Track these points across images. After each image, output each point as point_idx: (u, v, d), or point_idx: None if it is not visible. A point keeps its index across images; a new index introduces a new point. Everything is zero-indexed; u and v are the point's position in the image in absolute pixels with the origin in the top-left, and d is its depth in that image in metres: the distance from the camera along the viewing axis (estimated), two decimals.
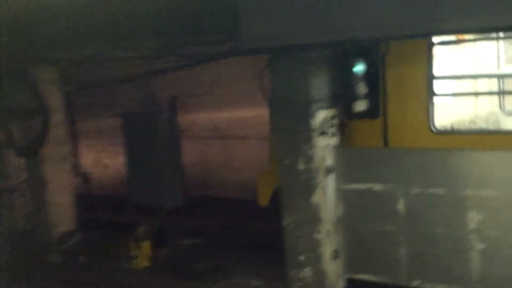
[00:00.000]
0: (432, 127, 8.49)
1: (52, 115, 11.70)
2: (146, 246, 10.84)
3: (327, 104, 8.58)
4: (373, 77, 8.56)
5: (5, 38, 10.16)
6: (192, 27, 8.93)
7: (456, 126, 9.13)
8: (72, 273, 10.95)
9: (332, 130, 8.65)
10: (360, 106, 8.55)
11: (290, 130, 8.58)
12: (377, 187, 8.36)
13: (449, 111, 9.27)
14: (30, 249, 12.15)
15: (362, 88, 8.38)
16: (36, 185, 12.14)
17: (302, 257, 8.81)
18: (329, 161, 8.63)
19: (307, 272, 8.82)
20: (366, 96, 8.59)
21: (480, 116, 9.97)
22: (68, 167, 12.35)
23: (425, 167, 8.01)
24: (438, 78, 8.57)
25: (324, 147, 8.57)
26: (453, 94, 9.48)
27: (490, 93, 10.04)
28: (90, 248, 11.58)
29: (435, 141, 8.46)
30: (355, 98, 8.43)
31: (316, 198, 8.60)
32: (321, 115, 8.48)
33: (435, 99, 8.49)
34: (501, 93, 9.77)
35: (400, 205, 8.20)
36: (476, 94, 10.01)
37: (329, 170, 8.64)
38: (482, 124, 9.80)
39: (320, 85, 8.47)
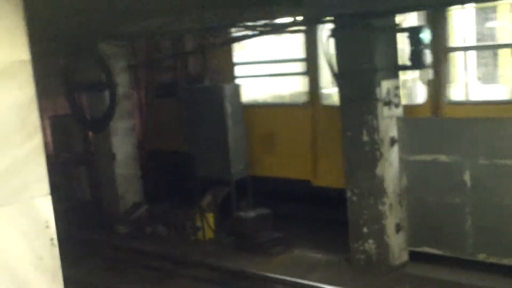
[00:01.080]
0: None
1: (119, 89, 11.97)
2: (210, 218, 10.98)
3: (392, 73, 8.48)
4: None
5: (73, 15, 10.39)
6: None
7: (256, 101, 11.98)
8: (138, 244, 11.17)
9: (397, 100, 8.54)
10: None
11: (354, 100, 8.52)
12: (443, 158, 8.23)
13: (254, 89, 12.24)
14: (99, 220, 12.52)
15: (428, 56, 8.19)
16: (104, 157, 12.45)
17: (365, 229, 8.77)
18: (393, 132, 8.54)
19: (370, 244, 8.78)
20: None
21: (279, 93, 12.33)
22: (134, 140, 12.59)
23: (492, 137, 7.84)
24: (237, 64, 11.55)
25: (389, 118, 8.47)
26: (246, 76, 11.89)
27: (272, 75, 12.24)
28: (156, 219, 11.79)
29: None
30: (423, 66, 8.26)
31: (380, 169, 8.53)
32: (386, 85, 8.39)
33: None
34: (283, 74, 11.99)
35: (467, 177, 8.05)
36: (263, 76, 12.35)
37: (393, 141, 8.55)
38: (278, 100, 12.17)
39: (385, 54, 8.37)
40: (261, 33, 9.75)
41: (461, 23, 9.29)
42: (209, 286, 9.27)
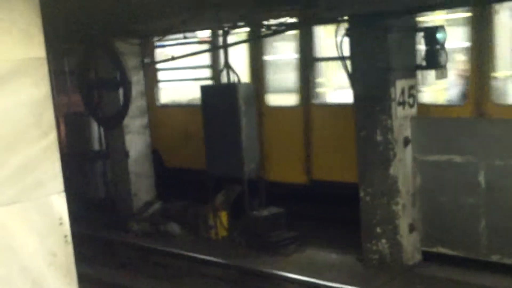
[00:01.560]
0: (157, 102, 13.39)
1: (133, 87, 12.00)
2: (223, 216, 10.98)
3: (407, 73, 8.44)
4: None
5: (88, 12, 10.43)
6: None
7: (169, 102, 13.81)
8: (151, 242, 11.19)
9: (411, 100, 8.50)
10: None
11: (368, 100, 8.49)
12: (457, 158, 8.19)
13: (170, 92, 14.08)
14: (112, 218, 12.55)
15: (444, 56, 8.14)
16: (118, 155, 12.49)
17: (378, 229, 8.75)
18: (407, 131, 8.50)
19: (383, 244, 8.75)
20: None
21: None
22: (147, 138, 12.62)
23: (508, 138, 7.79)
24: (160, 70, 13.45)
25: (403, 118, 8.44)
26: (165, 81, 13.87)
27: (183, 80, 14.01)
28: (169, 217, 11.81)
29: (160, 112, 13.33)
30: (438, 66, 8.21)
31: (394, 169, 8.50)
32: (401, 85, 8.36)
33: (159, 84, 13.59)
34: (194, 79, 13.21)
35: (481, 177, 8.00)
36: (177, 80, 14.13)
37: (407, 141, 8.51)
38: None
39: (400, 53, 8.34)
40: (275, 32, 9.74)
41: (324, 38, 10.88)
42: (221, 285, 9.28)
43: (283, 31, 9.99)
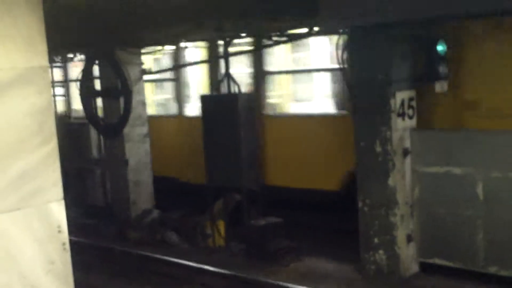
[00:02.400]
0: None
1: (134, 96, 12.04)
2: (221, 225, 10.99)
3: (407, 84, 8.48)
4: None
5: (91, 21, 10.46)
6: (272, 7, 8.96)
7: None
8: (149, 250, 11.18)
9: (410, 111, 8.53)
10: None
11: (368, 111, 8.52)
12: (456, 170, 8.21)
13: None
14: (111, 225, 12.56)
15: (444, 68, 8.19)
16: (118, 163, 12.51)
17: (376, 240, 8.76)
18: (407, 143, 8.53)
19: (381, 255, 8.76)
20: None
21: None
22: (147, 147, 12.65)
23: (507, 150, 7.81)
24: None
25: (402, 129, 8.47)
26: None
27: None
28: (167, 226, 11.81)
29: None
30: (437, 78, 8.24)
31: (392, 180, 8.52)
32: (400, 96, 8.39)
33: None
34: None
35: (479, 189, 8.02)
36: None
37: (406, 152, 8.54)
38: None
39: (400, 65, 8.37)
40: (276, 43, 9.79)
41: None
42: None
43: (284, 42, 10.04)
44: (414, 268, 8.77)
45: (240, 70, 12.40)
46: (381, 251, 8.73)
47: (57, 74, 16.45)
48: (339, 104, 11.38)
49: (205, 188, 11.22)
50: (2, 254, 3.34)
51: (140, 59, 12.46)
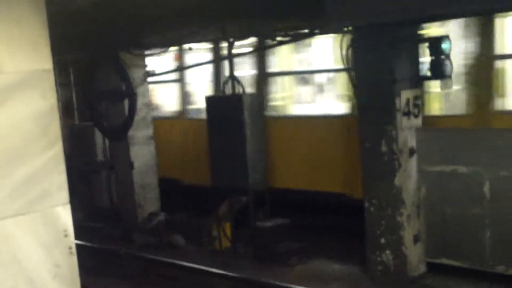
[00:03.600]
0: None
1: (138, 98, 12.04)
2: (227, 227, 10.97)
3: (412, 83, 8.45)
4: None
5: (96, 24, 10.46)
6: (276, 7, 8.95)
7: None
8: (155, 253, 11.17)
9: (416, 110, 8.50)
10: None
11: (373, 110, 8.49)
12: (462, 169, 8.17)
13: None
14: (117, 228, 12.55)
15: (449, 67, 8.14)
16: (123, 166, 12.50)
17: (382, 240, 8.72)
18: (412, 142, 8.50)
19: (387, 256, 8.72)
20: None
21: None
22: (152, 149, 12.63)
23: None
24: None
25: (408, 128, 8.44)
26: None
27: None
28: (173, 228, 11.80)
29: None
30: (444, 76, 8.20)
31: (399, 180, 8.48)
32: (406, 95, 8.36)
33: None
34: None
35: (486, 188, 7.99)
36: None
37: (412, 152, 8.50)
38: None
39: (405, 63, 8.34)
40: (280, 43, 9.78)
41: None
42: None
43: (288, 42, 10.02)
44: (422, 268, 8.74)
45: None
46: (388, 252, 8.69)
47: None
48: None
49: (209, 190, 11.21)
50: (9, 258, 3.34)
51: (144, 61, 12.45)
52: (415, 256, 8.67)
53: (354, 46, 8.49)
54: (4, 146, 3.29)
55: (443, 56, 8.10)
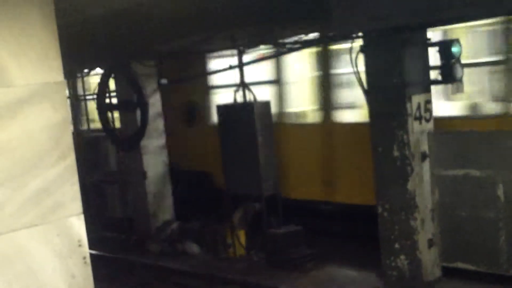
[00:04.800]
0: None
1: (150, 108, 12.08)
2: (241, 235, 10.98)
3: (422, 87, 8.43)
4: None
5: (107, 34, 10.54)
6: (283, 15, 8.98)
7: None
8: (170, 261, 11.20)
9: (427, 114, 8.48)
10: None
11: (384, 115, 8.47)
12: (475, 172, 8.13)
13: None
14: (130, 237, 12.59)
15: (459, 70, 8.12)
16: (135, 176, 12.55)
17: (397, 245, 8.68)
18: (425, 146, 8.47)
19: (402, 260, 8.69)
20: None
21: None
22: (165, 158, 12.67)
23: None
24: None
25: (420, 132, 8.41)
26: None
27: None
28: (187, 237, 11.81)
29: None
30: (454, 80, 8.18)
31: (412, 184, 8.45)
32: (417, 99, 8.34)
33: None
34: None
35: (500, 191, 7.94)
36: None
37: (424, 156, 8.48)
38: None
39: (415, 68, 8.33)
40: (290, 50, 9.79)
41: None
42: None
43: (298, 49, 10.03)
44: (437, 272, 8.69)
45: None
46: (402, 257, 8.65)
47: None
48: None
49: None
50: (24, 269, 3.36)
51: (155, 71, 12.49)
52: (429, 260, 8.62)
53: (364, 51, 8.48)
54: (17, 158, 3.32)
55: (453, 60, 8.08)
